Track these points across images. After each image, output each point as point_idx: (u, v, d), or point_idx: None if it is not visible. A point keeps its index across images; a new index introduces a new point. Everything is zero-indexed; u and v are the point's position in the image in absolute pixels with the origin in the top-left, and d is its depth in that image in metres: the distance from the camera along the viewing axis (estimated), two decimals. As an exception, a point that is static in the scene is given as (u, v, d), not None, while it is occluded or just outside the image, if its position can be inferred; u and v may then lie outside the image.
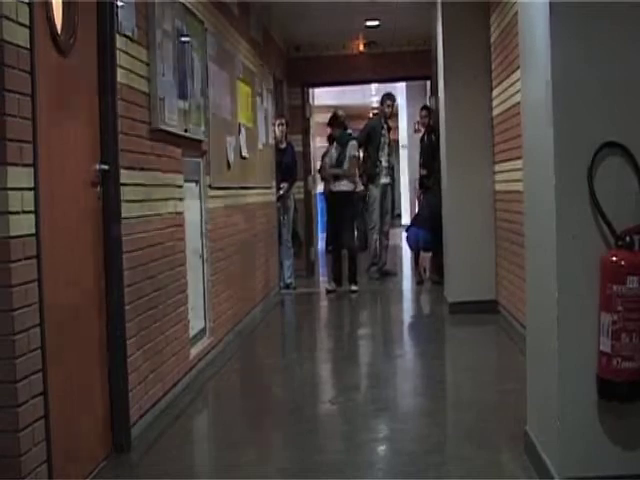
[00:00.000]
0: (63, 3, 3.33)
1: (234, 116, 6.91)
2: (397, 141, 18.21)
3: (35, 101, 2.97)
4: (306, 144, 11.20)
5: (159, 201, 4.56)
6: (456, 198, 7.31)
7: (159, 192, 4.57)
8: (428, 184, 9.46)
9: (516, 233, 5.84)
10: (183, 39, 5.12)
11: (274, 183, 9.07)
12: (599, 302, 2.91)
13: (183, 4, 5.16)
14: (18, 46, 2.87)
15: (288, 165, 9.23)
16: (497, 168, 6.97)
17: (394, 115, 11.77)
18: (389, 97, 10.26)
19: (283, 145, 9.33)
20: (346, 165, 9.02)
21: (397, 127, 18.21)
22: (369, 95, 18.98)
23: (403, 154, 18.71)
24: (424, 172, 9.60)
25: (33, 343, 2.94)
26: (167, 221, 4.68)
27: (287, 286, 9.23)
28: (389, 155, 10.06)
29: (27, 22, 2.94)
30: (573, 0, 2.97)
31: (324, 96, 15.53)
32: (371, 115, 24.35)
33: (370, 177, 9.91)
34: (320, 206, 12.96)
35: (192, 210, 5.38)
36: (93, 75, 3.71)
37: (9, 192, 2.80)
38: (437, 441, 4.00)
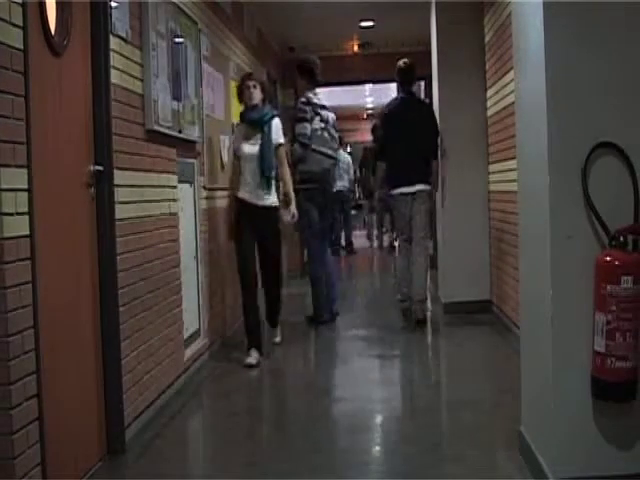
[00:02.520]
0: (57, 4, 3.33)
1: (228, 117, 6.91)
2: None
3: (29, 102, 2.97)
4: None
5: (153, 202, 4.55)
6: (451, 198, 7.31)
7: (153, 193, 4.57)
8: None
9: (510, 233, 5.85)
10: (177, 40, 5.11)
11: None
12: (593, 302, 2.92)
13: (177, 5, 5.16)
14: (12, 47, 2.87)
15: None
16: (491, 168, 6.98)
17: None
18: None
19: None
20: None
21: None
22: (363, 96, 18.99)
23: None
24: None
25: (27, 345, 2.94)
26: (161, 222, 4.68)
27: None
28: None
29: (21, 23, 2.93)
30: (566, 0, 2.97)
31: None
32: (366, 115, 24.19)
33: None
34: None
35: (186, 211, 5.37)
36: (87, 76, 3.70)
37: (3, 193, 2.79)
38: (431, 441, 3.99)
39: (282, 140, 5.88)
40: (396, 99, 7.10)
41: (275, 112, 5.93)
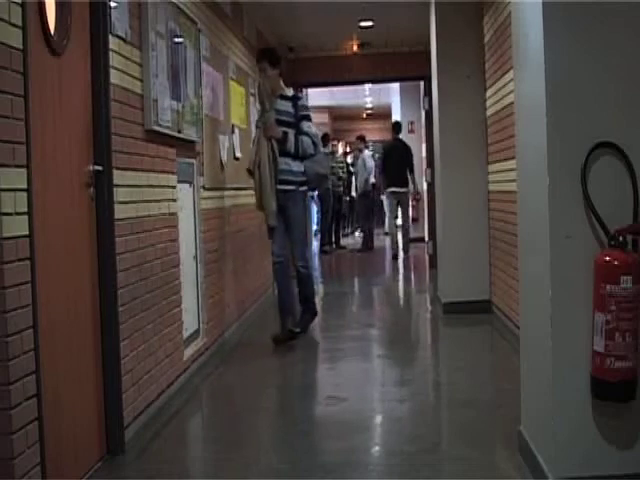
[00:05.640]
0: (56, 4, 3.32)
1: (227, 117, 6.91)
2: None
3: (28, 102, 2.97)
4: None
5: (152, 202, 4.55)
6: (450, 198, 7.31)
7: (152, 193, 4.57)
8: None
9: (510, 233, 5.84)
10: (176, 40, 5.11)
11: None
12: (593, 302, 2.92)
13: (176, 5, 5.16)
14: (11, 47, 2.87)
15: None
16: (491, 168, 6.98)
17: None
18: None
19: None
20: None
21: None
22: (362, 96, 19.01)
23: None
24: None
25: (26, 345, 2.94)
26: (160, 222, 4.68)
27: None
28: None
29: (20, 23, 2.93)
30: (566, 0, 2.97)
31: (318, 97, 15.57)
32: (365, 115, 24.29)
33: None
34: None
35: (186, 211, 5.37)
36: (86, 76, 3.70)
37: (2, 193, 2.79)
38: (431, 441, 3.99)
39: None
40: (391, 140, 12.74)
41: None
